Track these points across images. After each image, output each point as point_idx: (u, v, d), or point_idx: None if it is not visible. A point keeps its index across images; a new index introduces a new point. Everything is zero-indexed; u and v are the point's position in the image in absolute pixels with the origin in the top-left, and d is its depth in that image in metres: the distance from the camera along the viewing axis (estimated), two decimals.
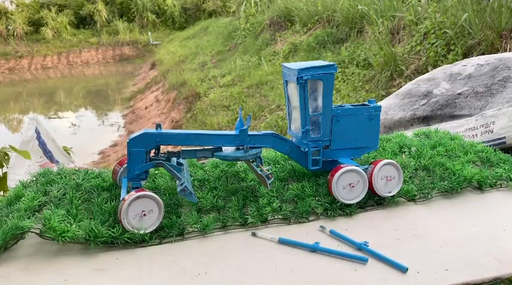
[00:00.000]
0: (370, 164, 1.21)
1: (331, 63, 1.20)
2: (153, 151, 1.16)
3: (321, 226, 1.11)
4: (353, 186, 1.17)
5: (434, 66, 4.49)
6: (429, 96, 2.25)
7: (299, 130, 1.25)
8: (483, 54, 4.07)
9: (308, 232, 1.11)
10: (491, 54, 3.36)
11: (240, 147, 1.19)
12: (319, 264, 0.98)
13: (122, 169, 1.23)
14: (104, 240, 1.04)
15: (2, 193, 2.15)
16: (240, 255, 1.02)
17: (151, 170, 1.33)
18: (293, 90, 1.25)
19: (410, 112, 2.24)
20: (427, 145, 1.52)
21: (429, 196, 1.25)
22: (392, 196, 1.21)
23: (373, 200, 1.23)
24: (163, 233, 1.09)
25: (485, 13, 4.40)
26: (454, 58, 4.31)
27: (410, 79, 4.20)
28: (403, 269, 0.93)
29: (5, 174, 2.18)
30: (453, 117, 2.11)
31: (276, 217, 1.16)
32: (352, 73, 6.21)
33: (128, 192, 1.10)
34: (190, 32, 17.43)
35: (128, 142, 1.11)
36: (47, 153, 3.88)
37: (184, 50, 14.22)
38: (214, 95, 8.12)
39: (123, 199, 1.06)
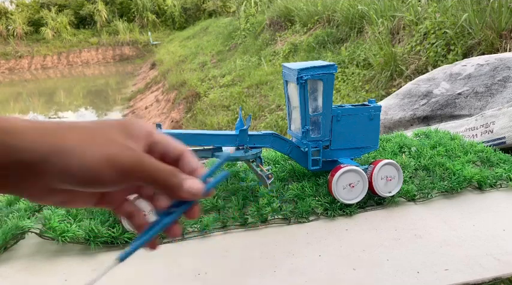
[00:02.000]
0: (370, 164, 1.21)
1: (331, 63, 1.20)
2: None
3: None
4: (353, 186, 1.17)
5: (434, 66, 4.50)
6: (429, 96, 2.25)
7: (299, 130, 1.25)
8: (483, 54, 4.07)
9: (308, 231, 1.11)
10: (491, 54, 3.36)
11: (240, 147, 1.19)
12: (319, 264, 0.98)
13: None
14: (104, 241, 1.04)
15: None
16: (240, 255, 1.02)
17: None
18: (293, 90, 1.25)
19: (410, 112, 2.25)
20: (427, 145, 1.52)
21: (429, 196, 1.25)
22: (392, 196, 1.21)
23: (373, 200, 1.23)
24: (163, 233, 1.09)
25: (485, 13, 4.40)
26: (454, 58, 4.31)
27: (410, 79, 4.20)
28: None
29: None
30: (453, 117, 2.11)
31: (276, 217, 1.16)
32: (352, 73, 6.21)
33: None
34: (190, 32, 17.43)
35: None
36: None
37: (184, 50, 14.23)
38: (214, 95, 8.12)
39: None
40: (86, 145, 0.52)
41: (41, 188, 0.53)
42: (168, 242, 1.08)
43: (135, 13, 21.71)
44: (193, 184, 0.59)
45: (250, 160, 1.21)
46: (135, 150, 0.56)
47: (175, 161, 0.60)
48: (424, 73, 2.88)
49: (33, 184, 0.52)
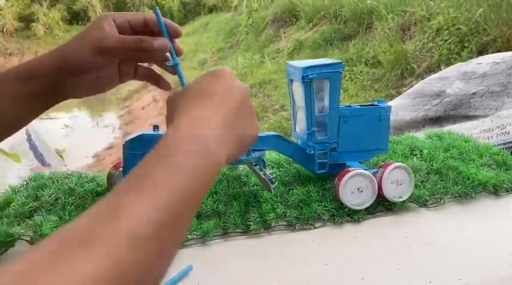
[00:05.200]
0: (380, 167, 1.21)
1: (338, 61, 1.20)
2: None
3: None
4: (361, 191, 1.17)
5: (447, 64, 4.49)
6: (442, 95, 2.25)
7: (304, 132, 1.25)
8: (499, 51, 4.07)
9: (314, 239, 1.11)
10: (507, 51, 3.36)
11: None
12: (326, 273, 0.98)
13: (117, 172, 1.23)
14: None
15: None
16: (241, 264, 1.02)
17: None
18: (298, 90, 1.25)
19: (421, 112, 2.25)
20: (440, 147, 1.52)
21: (442, 201, 1.25)
22: (403, 201, 1.21)
23: (382, 206, 1.23)
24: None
25: (501, 8, 4.40)
26: (468, 56, 4.32)
27: (422, 78, 4.20)
28: (189, 269, 0.91)
29: None
30: (467, 118, 2.11)
31: (279, 223, 1.16)
32: (361, 72, 6.22)
33: None
34: (189, 28, 17.45)
35: (123, 145, 1.11)
36: (38, 156, 3.90)
37: (183, 47, 14.22)
38: None
39: None
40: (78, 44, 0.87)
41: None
42: None
43: (131, 8, 21.72)
44: (161, 41, 0.90)
45: (253, 163, 1.21)
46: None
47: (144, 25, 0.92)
48: (436, 72, 2.88)
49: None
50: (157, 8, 0.90)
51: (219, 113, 0.69)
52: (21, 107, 0.89)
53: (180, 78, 0.92)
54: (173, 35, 0.94)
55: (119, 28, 0.89)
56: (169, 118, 0.72)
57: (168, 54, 0.93)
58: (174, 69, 0.94)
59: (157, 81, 1.01)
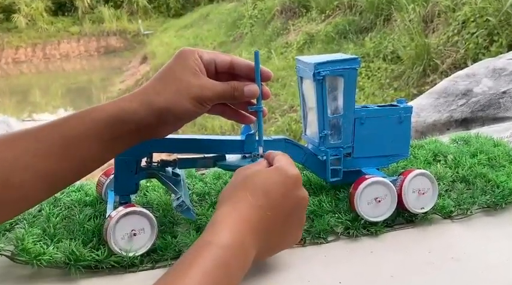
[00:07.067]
0: (400, 175, 1.21)
1: (354, 56, 1.20)
2: (144, 159, 1.16)
3: None
4: (379, 201, 1.17)
5: (475, 60, 4.49)
6: (468, 95, 2.25)
7: (316, 135, 1.25)
8: None
9: (326, 254, 1.10)
10: None
11: (247, 155, 1.19)
12: None
13: (108, 180, 1.23)
14: (87, 265, 1.04)
15: None
16: (245, 281, 1.02)
17: (143, 182, 1.33)
18: (309, 88, 1.25)
19: (446, 113, 2.25)
20: (466, 152, 1.51)
21: (468, 213, 1.25)
22: (426, 213, 1.21)
23: (402, 218, 1.23)
24: (157, 256, 1.09)
25: None
26: (497, 51, 4.31)
27: (447, 76, 4.20)
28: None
29: None
30: (497, 120, 2.11)
31: None
32: (378, 69, 6.22)
33: (115, 208, 1.10)
34: (187, 20, 17.48)
35: None
36: None
37: (181, 41, 14.26)
38: None
39: (110, 216, 1.06)
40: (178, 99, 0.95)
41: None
42: (162, 266, 1.08)
43: None
44: (251, 88, 1.02)
45: None
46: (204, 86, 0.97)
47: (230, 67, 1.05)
48: (462, 69, 2.88)
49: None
50: (259, 51, 1.07)
51: (265, 218, 0.90)
52: (106, 149, 0.96)
53: (259, 124, 1.06)
54: (264, 79, 1.05)
55: (205, 67, 1.00)
56: (222, 198, 0.93)
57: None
58: (255, 113, 1.06)
59: (243, 117, 1.11)
